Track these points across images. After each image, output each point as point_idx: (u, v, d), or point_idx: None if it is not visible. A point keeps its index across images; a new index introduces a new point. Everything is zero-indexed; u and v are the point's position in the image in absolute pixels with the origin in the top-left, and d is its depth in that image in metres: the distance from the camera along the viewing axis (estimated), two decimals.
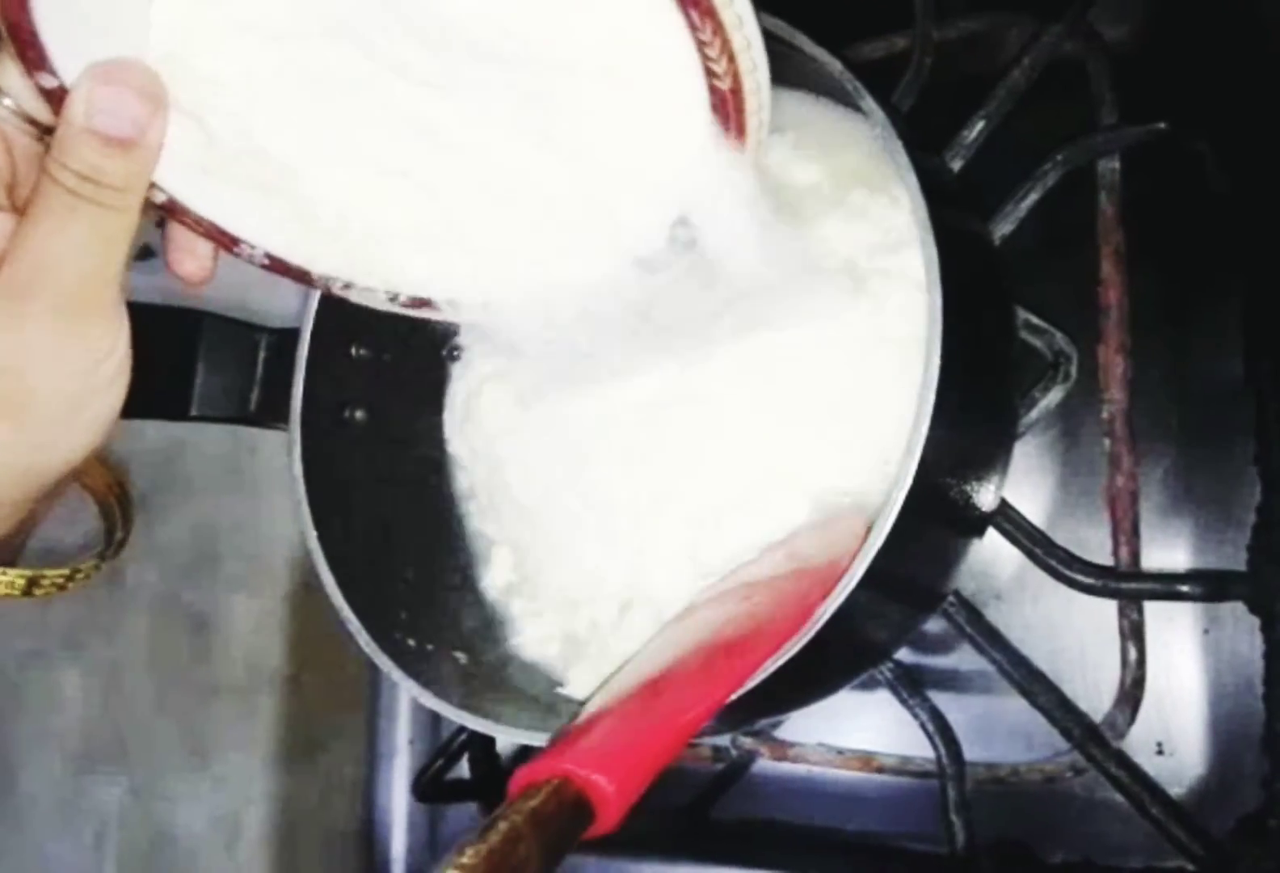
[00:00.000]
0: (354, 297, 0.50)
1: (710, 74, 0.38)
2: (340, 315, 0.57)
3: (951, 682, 0.58)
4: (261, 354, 0.59)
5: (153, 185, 0.43)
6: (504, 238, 0.46)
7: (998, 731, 0.58)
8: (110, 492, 0.63)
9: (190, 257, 0.48)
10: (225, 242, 0.47)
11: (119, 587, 0.94)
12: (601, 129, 0.41)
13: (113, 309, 0.42)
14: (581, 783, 0.38)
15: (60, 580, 0.47)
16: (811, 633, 0.42)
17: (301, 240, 0.47)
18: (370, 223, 0.46)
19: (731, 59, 0.37)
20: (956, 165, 0.57)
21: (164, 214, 0.46)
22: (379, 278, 0.49)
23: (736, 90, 0.39)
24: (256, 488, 0.90)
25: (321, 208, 0.45)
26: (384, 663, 0.51)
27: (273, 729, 0.85)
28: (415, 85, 0.40)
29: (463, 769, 0.69)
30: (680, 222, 0.44)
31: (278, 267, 0.49)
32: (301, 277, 0.49)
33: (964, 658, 0.57)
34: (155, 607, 0.91)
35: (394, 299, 0.49)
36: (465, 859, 0.33)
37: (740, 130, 0.41)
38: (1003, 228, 0.56)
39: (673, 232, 0.45)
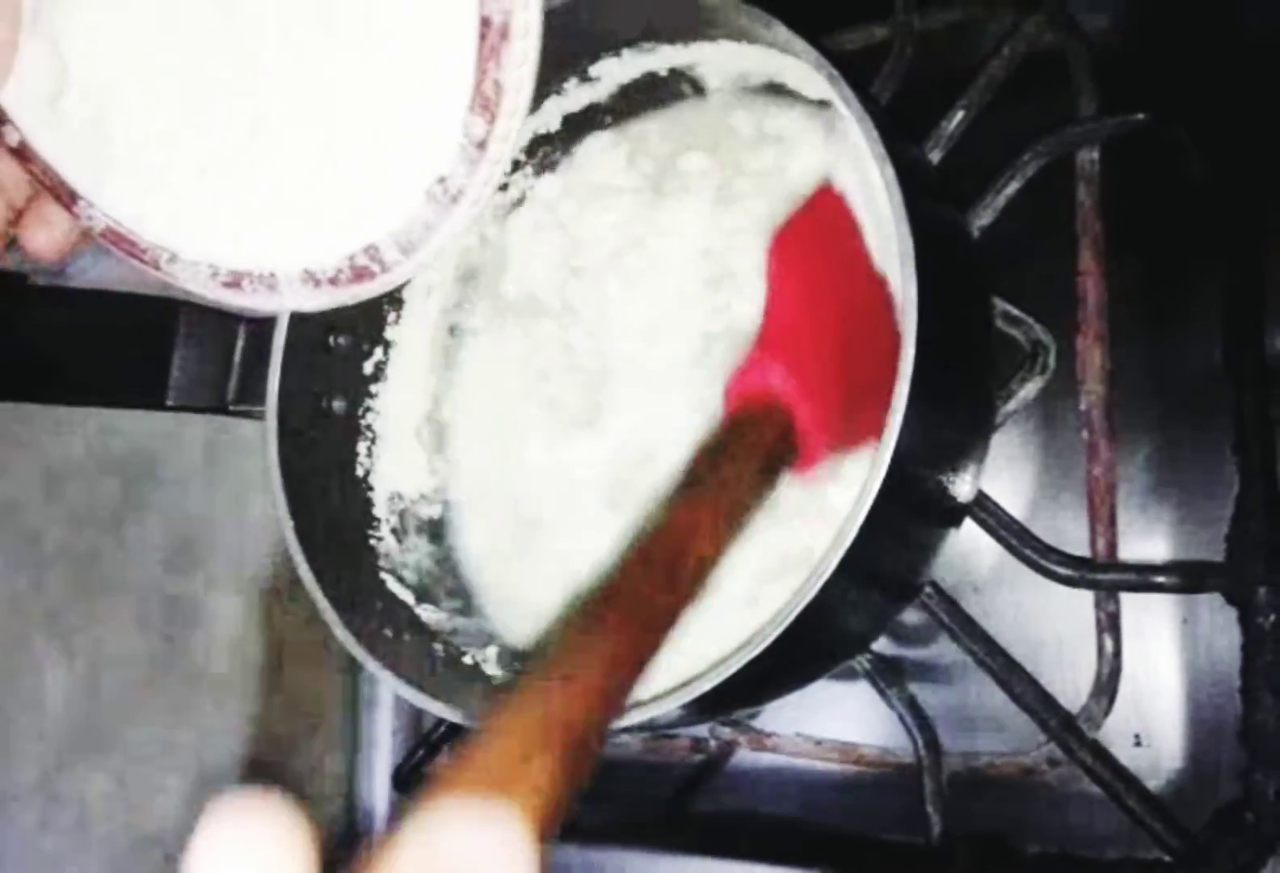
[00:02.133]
0: (179, 273, 0.51)
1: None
2: None
3: (930, 672, 0.58)
4: (239, 344, 0.59)
5: (7, 123, 0.45)
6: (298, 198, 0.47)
7: (976, 721, 0.57)
8: None
9: (45, 228, 0.48)
10: (65, 199, 0.48)
11: (99, 579, 0.94)
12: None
13: None
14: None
15: None
16: (787, 622, 0.42)
17: (130, 198, 0.48)
18: (189, 183, 0.47)
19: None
20: (936, 156, 0.57)
21: (16, 159, 0.47)
22: (201, 249, 0.50)
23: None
24: (237, 480, 0.90)
25: (146, 159, 0.47)
26: (361, 654, 0.51)
27: (255, 721, 0.85)
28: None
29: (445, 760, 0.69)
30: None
31: (111, 236, 0.50)
32: (131, 249, 0.50)
33: (942, 649, 0.57)
34: (136, 598, 0.91)
35: (215, 275, 0.50)
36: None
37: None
38: (982, 218, 0.56)
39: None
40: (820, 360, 0.45)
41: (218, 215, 0.48)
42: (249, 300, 0.50)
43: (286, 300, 0.49)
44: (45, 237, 0.48)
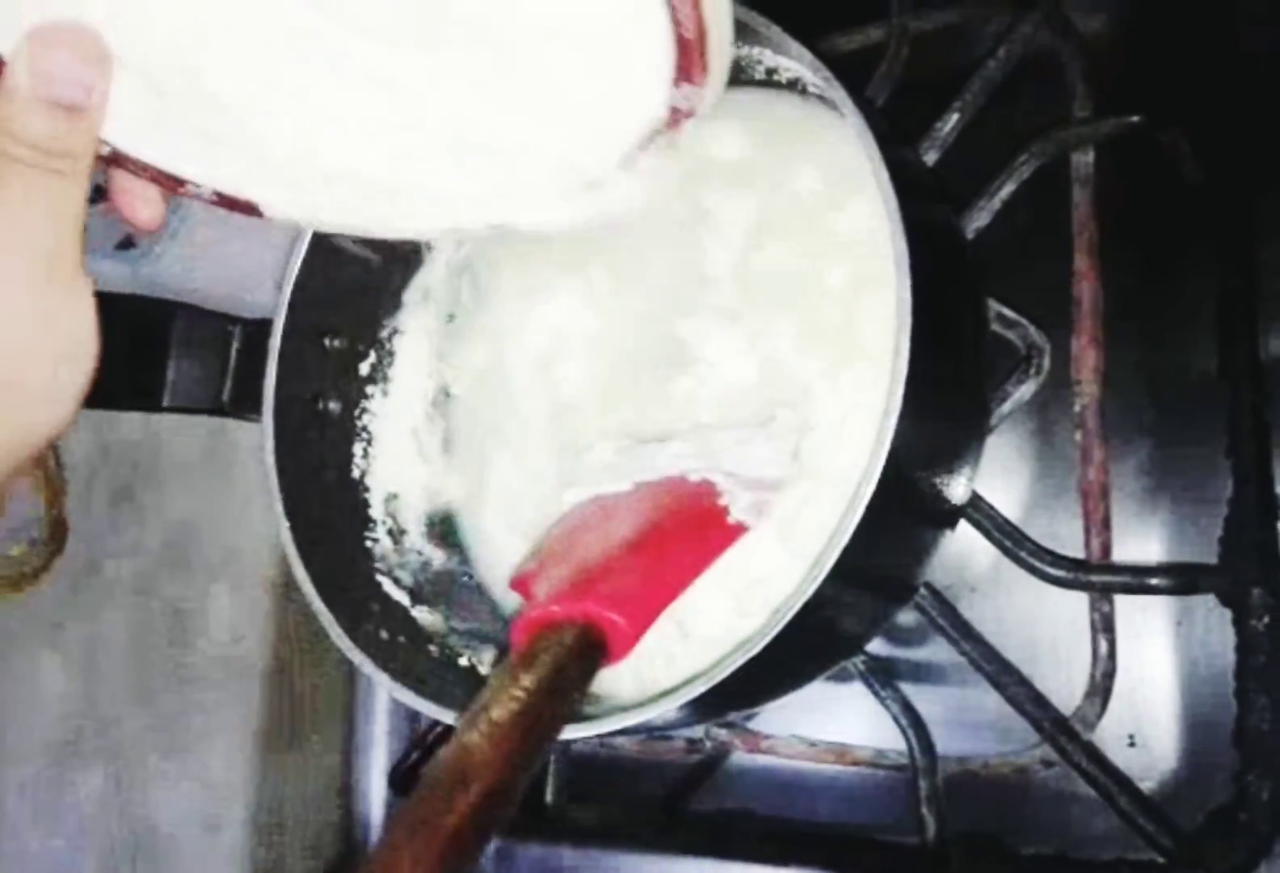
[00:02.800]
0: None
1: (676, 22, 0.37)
2: (314, 306, 0.58)
3: (925, 674, 0.59)
4: (235, 345, 0.58)
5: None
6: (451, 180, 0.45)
7: (970, 723, 0.58)
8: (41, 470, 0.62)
9: (142, 202, 0.46)
10: (171, 184, 0.46)
11: (98, 579, 0.94)
12: (555, 69, 0.40)
13: (79, 280, 0.42)
14: (601, 623, 0.44)
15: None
16: (781, 626, 0.42)
17: (249, 179, 0.46)
18: (319, 166, 0.45)
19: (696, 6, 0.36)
20: (931, 158, 0.57)
21: (108, 165, 0.45)
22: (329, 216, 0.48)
23: (701, 37, 0.37)
24: (235, 480, 0.90)
25: (271, 150, 0.44)
26: (356, 656, 0.51)
27: (253, 720, 0.85)
28: (363, 34, 0.39)
29: None
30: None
31: (225, 202, 0.47)
32: (251, 209, 0.48)
33: (938, 650, 0.57)
34: (135, 599, 0.91)
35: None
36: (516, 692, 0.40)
37: (698, 77, 0.39)
38: (977, 220, 0.56)
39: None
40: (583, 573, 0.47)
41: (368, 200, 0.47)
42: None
43: None
44: (147, 213, 0.47)
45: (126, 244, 0.96)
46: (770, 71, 0.53)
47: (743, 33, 0.51)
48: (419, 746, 0.66)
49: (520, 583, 0.50)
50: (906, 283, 0.42)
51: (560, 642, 0.43)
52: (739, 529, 0.50)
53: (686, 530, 0.50)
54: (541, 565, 0.50)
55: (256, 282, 0.82)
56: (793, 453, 0.51)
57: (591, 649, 0.44)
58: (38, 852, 0.90)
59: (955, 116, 0.56)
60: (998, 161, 0.56)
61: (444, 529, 0.63)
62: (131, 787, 0.88)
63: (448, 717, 0.49)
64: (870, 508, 0.42)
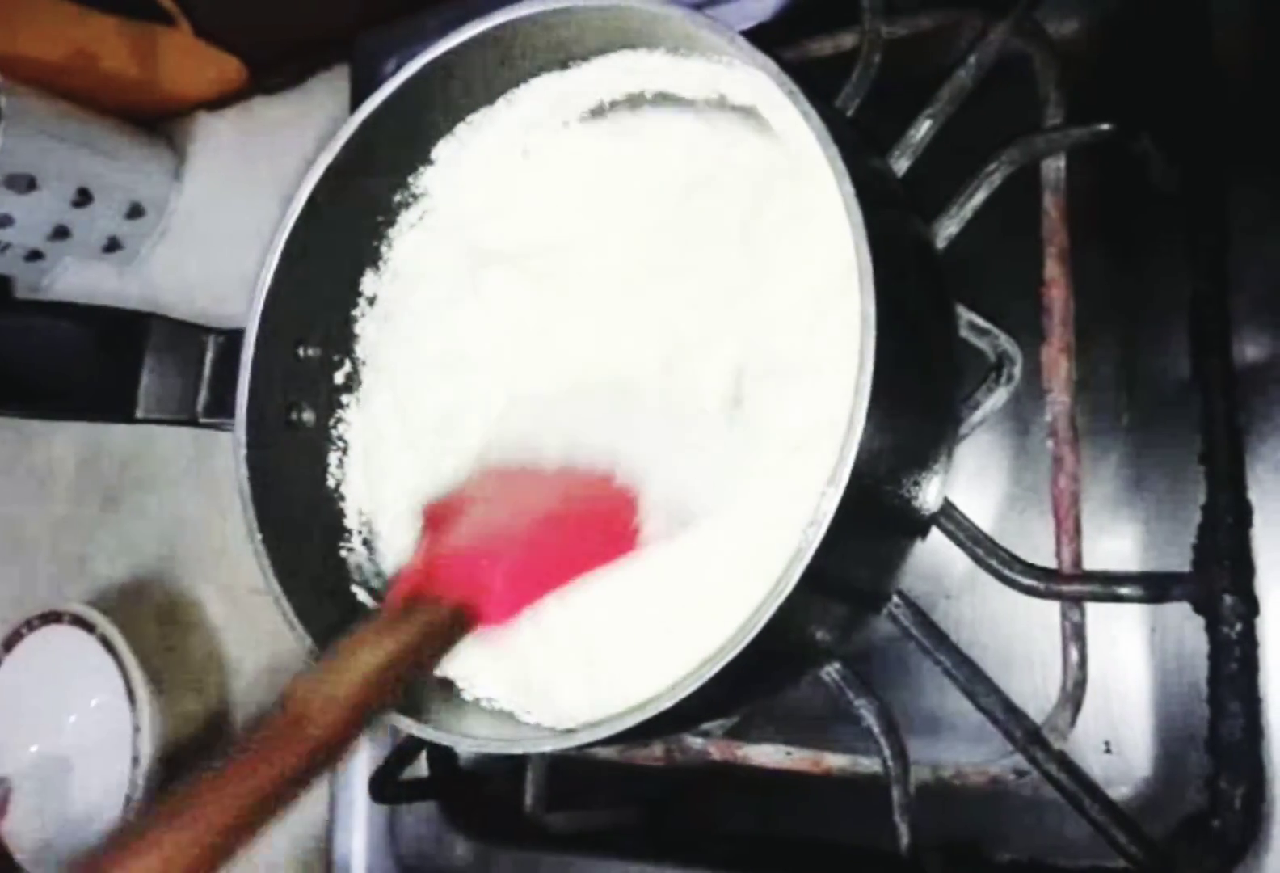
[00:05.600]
0: None
1: None
2: (286, 316, 0.58)
3: (899, 681, 0.59)
4: (209, 355, 0.59)
5: None
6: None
7: (944, 730, 0.58)
8: None
9: None
10: None
11: (88, 581, 0.94)
12: None
13: None
14: (478, 605, 0.46)
15: None
16: (754, 633, 0.42)
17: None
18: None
19: None
20: (904, 164, 0.57)
21: None
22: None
23: None
24: (222, 483, 0.90)
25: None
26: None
27: (242, 723, 0.85)
28: None
29: (421, 767, 0.69)
30: None
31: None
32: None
33: (911, 658, 0.57)
34: (124, 601, 0.91)
35: None
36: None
37: None
38: (948, 228, 0.55)
39: None
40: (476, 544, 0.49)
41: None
42: None
43: None
44: None
45: (113, 246, 0.96)
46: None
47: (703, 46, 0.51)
48: (398, 753, 0.66)
49: (430, 517, 0.51)
50: (870, 297, 0.42)
51: (438, 612, 0.45)
52: (636, 548, 0.50)
53: (590, 533, 0.50)
54: (452, 510, 0.51)
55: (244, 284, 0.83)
56: (728, 486, 0.51)
57: (460, 628, 0.46)
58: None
59: (928, 124, 0.56)
60: (969, 169, 0.55)
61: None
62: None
63: (420, 730, 0.49)
64: (837, 518, 0.42)
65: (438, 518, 0.51)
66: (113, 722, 0.81)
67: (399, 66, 0.56)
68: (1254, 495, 0.51)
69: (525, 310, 0.59)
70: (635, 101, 0.59)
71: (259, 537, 0.54)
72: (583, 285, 0.58)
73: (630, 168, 0.59)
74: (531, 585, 0.48)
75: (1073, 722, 0.53)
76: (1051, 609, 0.54)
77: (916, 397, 0.49)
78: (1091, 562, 0.54)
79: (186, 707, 0.87)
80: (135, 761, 0.79)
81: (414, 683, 0.45)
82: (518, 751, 0.48)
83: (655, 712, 0.44)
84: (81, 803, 0.84)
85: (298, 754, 0.38)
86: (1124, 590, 0.51)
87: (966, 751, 0.57)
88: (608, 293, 0.58)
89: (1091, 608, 0.54)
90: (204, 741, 0.86)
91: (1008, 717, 0.53)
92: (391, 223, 0.62)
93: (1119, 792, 0.54)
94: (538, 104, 0.59)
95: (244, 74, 0.94)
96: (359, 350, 0.62)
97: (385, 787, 0.65)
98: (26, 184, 0.86)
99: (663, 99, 0.58)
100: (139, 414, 0.57)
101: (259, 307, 0.56)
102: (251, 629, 0.86)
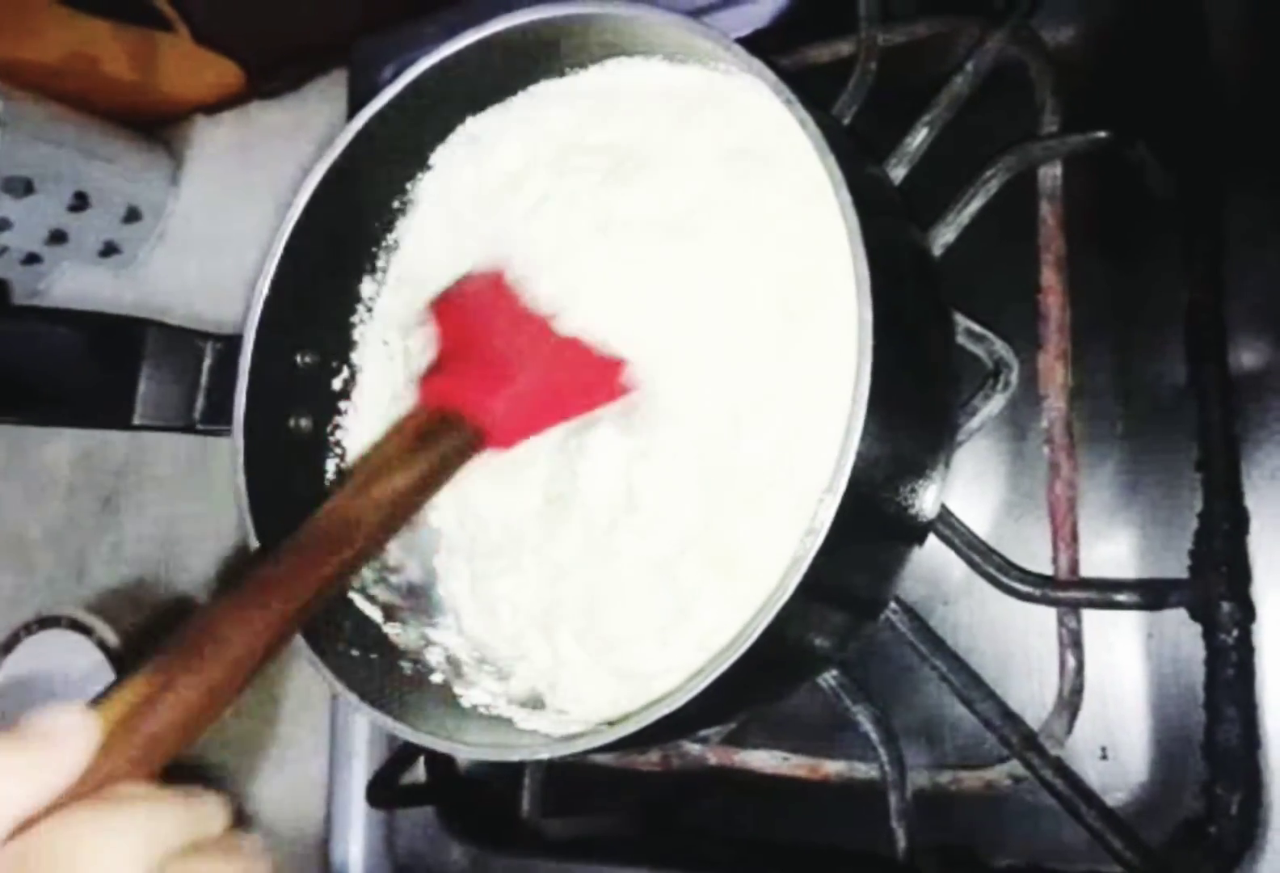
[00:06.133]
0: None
1: None
2: (284, 323, 0.58)
3: (896, 687, 0.58)
4: (206, 362, 0.59)
5: None
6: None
7: (941, 736, 0.58)
8: None
9: None
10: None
11: (86, 584, 0.94)
12: None
13: None
14: (488, 431, 0.50)
15: None
16: (751, 640, 0.42)
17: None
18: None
19: None
20: (900, 172, 0.57)
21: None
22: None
23: None
24: (221, 486, 0.90)
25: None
26: (326, 675, 0.51)
27: (239, 726, 0.84)
28: None
29: (419, 772, 0.69)
30: None
31: None
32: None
33: (908, 663, 0.57)
34: (122, 604, 0.91)
35: None
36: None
37: None
38: (945, 236, 0.56)
39: None
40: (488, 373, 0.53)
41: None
42: None
43: None
44: None
45: (111, 250, 0.96)
46: None
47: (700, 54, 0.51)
48: (396, 758, 0.66)
49: (440, 317, 0.56)
50: (868, 304, 0.42)
51: (459, 434, 0.50)
52: (624, 391, 0.55)
53: (581, 377, 0.55)
54: (455, 318, 0.56)
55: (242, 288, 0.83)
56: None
57: (472, 449, 0.51)
58: None
59: (924, 131, 0.56)
60: (965, 176, 0.56)
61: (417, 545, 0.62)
62: None
63: (416, 737, 0.49)
64: (835, 525, 0.42)
65: (444, 323, 0.56)
66: None
67: (397, 72, 0.56)
68: (1250, 502, 0.51)
69: None
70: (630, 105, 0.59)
71: (258, 546, 0.54)
72: (579, 287, 0.59)
73: (627, 168, 0.59)
74: (532, 415, 0.53)
75: (1069, 728, 0.53)
76: (1048, 615, 0.54)
77: (914, 404, 0.49)
78: (1088, 568, 0.54)
79: None
80: None
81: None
82: (515, 758, 0.48)
83: (653, 719, 0.44)
84: None
85: (338, 560, 0.44)
86: (1121, 597, 0.51)
87: (963, 756, 0.57)
88: (602, 294, 0.58)
89: (1088, 614, 0.54)
90: (201, 741, 0.85)
91: (1004, 723, 0.53)
92: (390, 229, 0.62)
93: (1115, 798, 0.54)
94: (536, 111, 0.59)
95: (242, 79, 0.94)
96: (357, 357, 0.62)
97: (383, 792, 0.65)
98: (23, 188, 0.86)
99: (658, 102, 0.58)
100: (136, 421, 0.57)
101: (257, 313, 0.56)
102: None
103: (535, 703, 0.55)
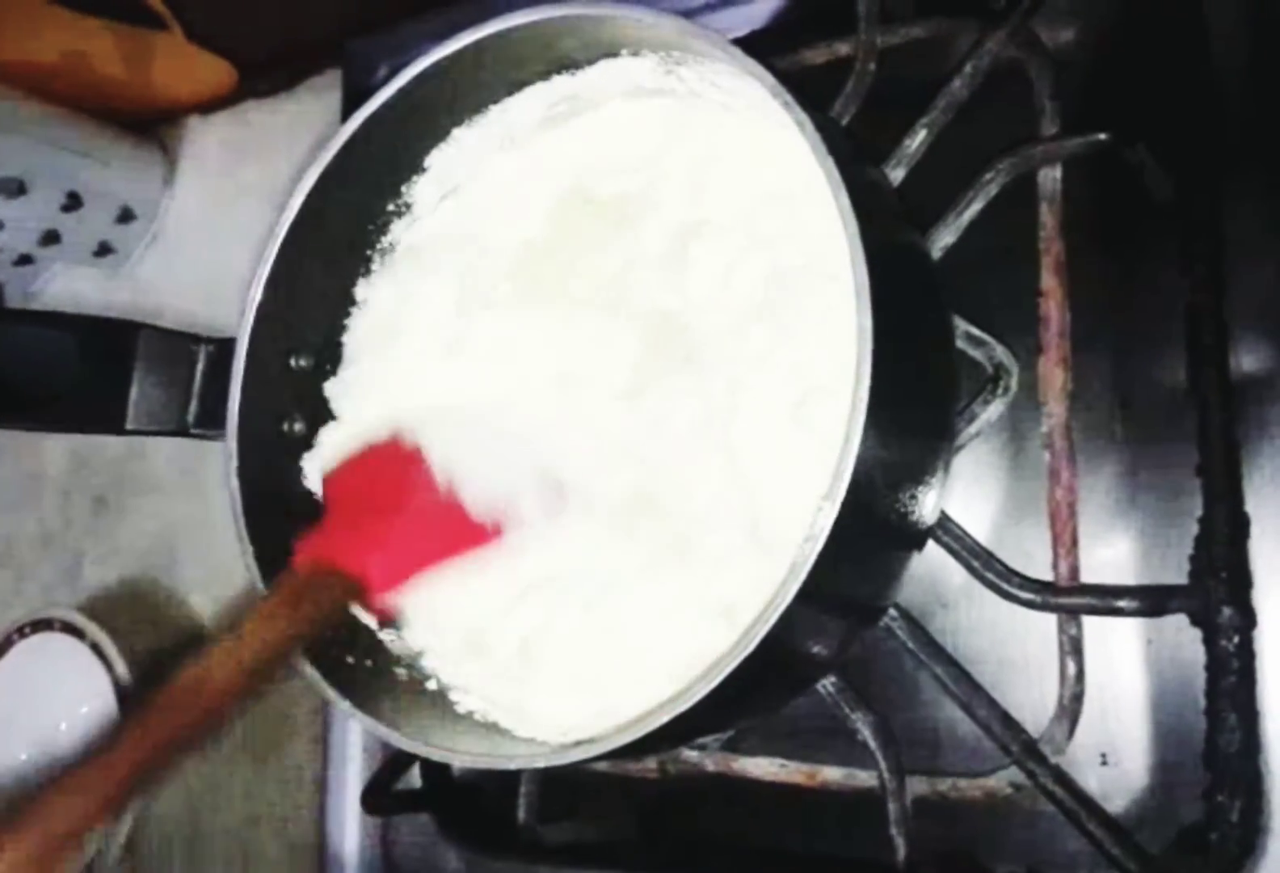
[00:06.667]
0: None
1: None
2: (278, 326, 0.57)
3: (895, 694, 0.58)
4: (199, 366, 0.58)
5: None
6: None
7: (942, 743, 0.57)
8: None
9: None
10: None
11: (79, 587, 0.93)
12: None
13: None
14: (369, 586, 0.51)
15: None
16: (750, 648, 0.42)
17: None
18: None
19: None
20: (899, 174, 0.56)
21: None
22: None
23: None
24: (215, 488, 0.89)
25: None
26: (319, 682, 0.51)
27: (233, 730, 0.84)
28: None
29: (415, 778, 0.69)
30: None
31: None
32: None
33: (908, 670, 0.57)
34: (115, 607, 0.91)
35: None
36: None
37: None
38: (944, 238, 0.55)
39: None
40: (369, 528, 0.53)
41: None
42: None
43: None
44: None
45: (104, 251, 0.95)
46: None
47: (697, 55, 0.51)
48: (391, 765, 0.66)
49: (331, 486, 0.57)
50: (867, 308, 0.42)
51: (336, 588, 0.50)
52: (496, 537, 0.54)
53: (455, 524, 0.54)
54: (345, 483, 0.57)
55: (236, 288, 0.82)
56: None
57: (349, 598, 0.51)
58: None
59: (923, 133, 0.56)
60: (965, 179, 0.55)
61: None
62: None
63: (408, 744, 0.49)
64: (834, 531, 0.41)
65: (335, 490, 0.57)
66: (103, 728, 0.81)
67: (391, 73, 0.56)
68: (1251, 507, 0.51)
69: (515, 321, 0.59)
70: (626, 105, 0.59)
71: (250, 550, 0.54)
72: (574, 290, 0.58)
73: (622, 170, 0.59)
74: (409, 563, 0.53)
75: (1070, 735, 0.53)
76: (1048, 622, 0.54)
77: (913, 409, 0.49)
78: (1088, 574, 0.54)
79: None
80: None
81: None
82: (511, 767, 0.48)
83: (650, 728, 0.44)
84: None
85: (198, 709, 0.44)
86: (1121, 604, 0.51)
87: (963, 764, 0.56)
88: (594, 300, 0.58)
89: (1088, 620, 0.53)
90: None
91: (1004, 730, 0.53)
92: (384, 231, 0.62)
93: (1116, 805, 0.54)
94: (531, 113, 0.59)
95: (235, 78, 0.94)
96: (350, 360, 0.62)
97: (378, 798, 0.65)
98: (16, 188, 0.85)
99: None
100: (129, 426, 0.56)
101: (250, 316, 0.56)
102: None
103: (530, 711, 0.55)
